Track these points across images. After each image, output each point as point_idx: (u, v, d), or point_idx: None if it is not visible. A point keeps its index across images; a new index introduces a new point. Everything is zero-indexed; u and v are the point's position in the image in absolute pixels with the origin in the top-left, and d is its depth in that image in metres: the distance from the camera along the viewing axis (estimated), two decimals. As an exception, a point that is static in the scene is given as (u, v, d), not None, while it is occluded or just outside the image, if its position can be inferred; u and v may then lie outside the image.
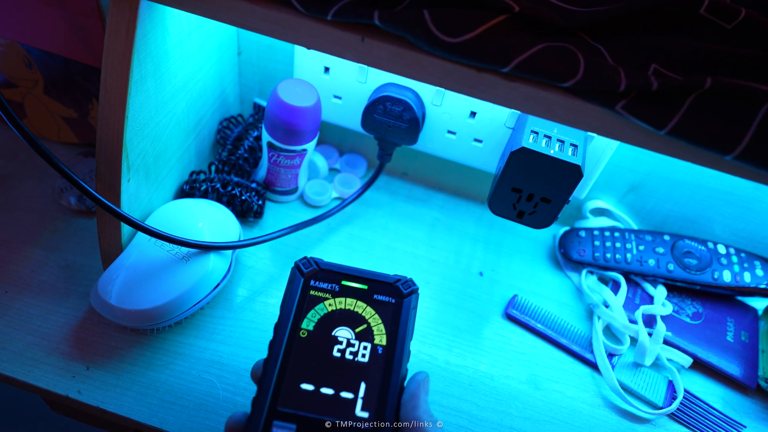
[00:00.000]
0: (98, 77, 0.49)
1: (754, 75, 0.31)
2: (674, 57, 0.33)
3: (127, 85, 0.38)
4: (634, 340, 0.51)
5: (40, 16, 0.44)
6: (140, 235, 0.45)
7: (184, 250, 0.44)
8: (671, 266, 0.53)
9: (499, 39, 0.32)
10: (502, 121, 0.49)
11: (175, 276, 0.43)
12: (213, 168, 0.53)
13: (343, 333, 0.33)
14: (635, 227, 0.57)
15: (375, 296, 0.35)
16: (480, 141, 0.51)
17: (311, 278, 0.35)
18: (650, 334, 0.50)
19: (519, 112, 0.48)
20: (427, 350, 0.48)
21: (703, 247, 0.54)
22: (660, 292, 0.53)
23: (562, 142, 0.43)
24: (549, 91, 0.33)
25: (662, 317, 0.51)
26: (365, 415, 0.30)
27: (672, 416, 0.47)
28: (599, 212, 0.58)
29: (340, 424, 0.30)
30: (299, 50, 0.50)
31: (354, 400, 0.31)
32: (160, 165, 0.47)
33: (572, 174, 0.42)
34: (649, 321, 0.51)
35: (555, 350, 0.50)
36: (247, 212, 0.52)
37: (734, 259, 0.53)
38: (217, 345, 0.45)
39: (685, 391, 0.48)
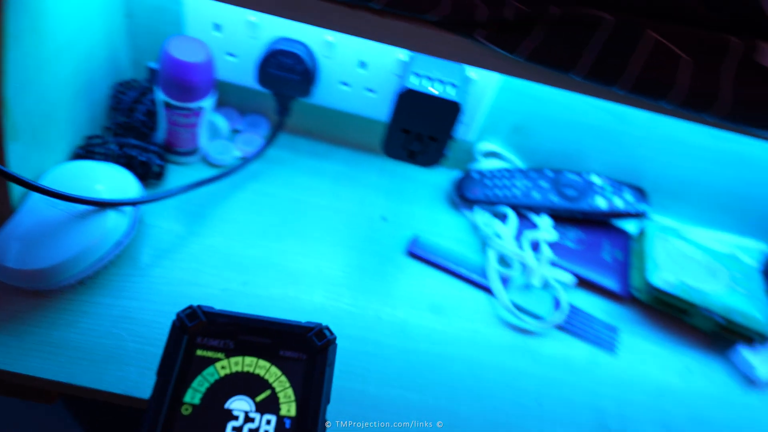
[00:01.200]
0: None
1: (592, 3, 0.36)
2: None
3: (1, 42, 0.37)
4: (525, 267, 0.56)
5: None
6: (32, 196, 0.44)
7: (81, 208, 0.44)
8: (554, 197, 0.59)
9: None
10: (390, 69, 0.51)
11: (73, 234, 0.43)
12: (109, 132, 0.53)
13: (239, 405, 0.27)
14: (522, 166, 0.62)
15: (281, 352, 0.28)
16: (373, 91, 0.54)
17: (197, 335, 0.28)
18: (538, 260, 0.55)
19: (405, 60, 0.51)
20: (334, 291, 0.50)
21: (580, 179, 0.60)
22: (545, 221, 0.58)
23: (443, 81, 0.46)
24: (417, 25, 0.35)
25: (548, 244, 0.57)
26: None
27: (559, 327, 0.53)
28: (490, 155, 0.63)
29: None
30: (188, 8, 0.51)
31: None
32: (50, 127, 0.46)
33: (452, 110, 0.46)
34: (537, 248, 0.56)
35: (455, 280, 0.54)
36: (147, 174, 0.52)
37: (607, 187, 0.60)
38: (125, 301, 0.45)
39: (570, 304, 0.54)
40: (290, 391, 0.27)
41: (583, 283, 0.57)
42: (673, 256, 0.57)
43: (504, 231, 0.56)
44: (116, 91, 0.55)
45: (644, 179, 0.62)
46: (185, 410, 0.26)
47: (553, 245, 0.57)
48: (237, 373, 0.27)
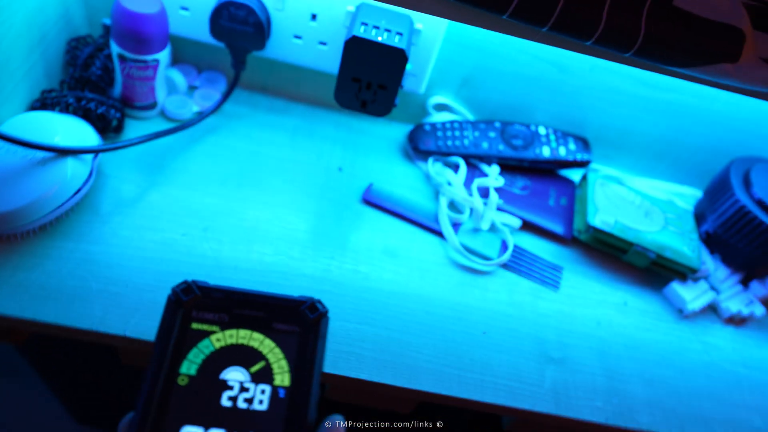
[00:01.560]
0: None
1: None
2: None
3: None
4: (474, 212, 0.59)
5: None
6: (-9, 145, 0.45)
7: (40, 155, 0.45)
8: (501, 147, 0.62)
9: None
10: (341, 21, 0.53)
11: (33, 180, 0.44)
12: (65, 86, 0.54)
13: (234, 375, 0.27)
14: (472, 119, 0.65)
15: (275, 325, 0.29)
16: (324, 44, 0.56)
17: (193, 308, 0.29)
18: (486, 205, 0.58)
19: (353, 11, 0.53)
20: (293, 236, 0.53)
21: (526, 130, 0.63)
22: (493, 170, 0.61)
23: (389, 31, 0.49)
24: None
25: (496, 190, 0.60)
26: None
27: (505, 266, 0.56)
28: (441, 108, 0.66)
29: None
30: (139, -39, 0.51)
31: None
32: (4, 78, 0.47)
33: (399, 58, 0.48)
34: (486, 194, 0.60)
35: (408, 225, 0.57)
36: (106, 127, 0.54)
37: (552, 137, 0.63)
38: (87, 245, 0.47)
39: (515, 246, 0.58)
40: (284, 363, 0.28)
41: (529, 227, 0.60)
42: (612, 200, 0.60)
43: (455, 179, 0.59)
44: (71, 47, 0.56)
45: (587, 130, 0.66)
46: (182, 381, 0.26)
47: (500, 191, 0.61)
48: (232, 345, 0.28)
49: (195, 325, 0.28)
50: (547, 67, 0.60)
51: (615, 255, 0.60)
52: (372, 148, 0.63)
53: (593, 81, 0.61)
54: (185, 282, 0.29)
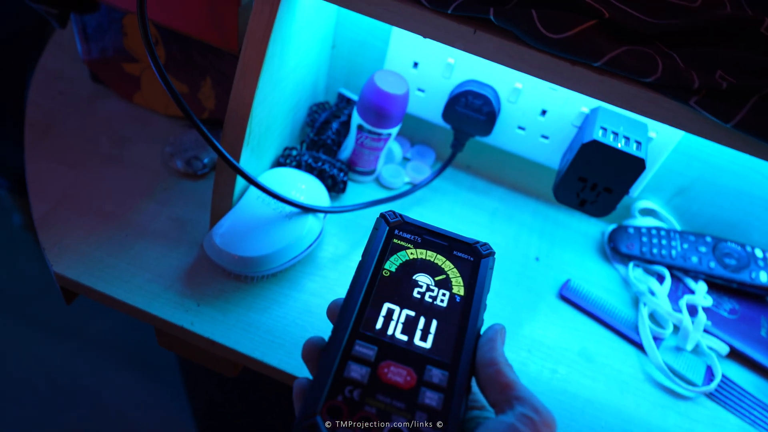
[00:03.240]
0: (215, 56, 0.56)
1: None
2: (736, 66, 0.39)
3: (262, 62, 0.45)
4: (676, 328, 0.55)
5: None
6: (248, 195, 0.51)
7: (287, 209, 0.50)
8: (712, 264, 0.58)
9: (592, 38, 0.38)
10: (570, 119, 0.54)
11: (279, 231, 0.49)
12: (304, 145, 0.59)
13: (423, 279, 0.34)
14: (679, 228, 0.62)
15: (455, 252, 0.36)
16: (547, 137, 0.57)
17: (396, 228, 0.36)
18: (693, 324, 0.55)
19: (587, 112, 0.54)
20: (487, 318, 0.53)
21: (742, 250, 0.59)
22: (701, 287, 0.58)
23: (628, 138, 0.49)
24: (632, 85, 0.38)
25: (702, 309, 0.56)
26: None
27: (710, 396, 0.52)
28: (646, 212, 0.64)
29: (420, 356, 0.30)
30: (393, 45, 0.57)
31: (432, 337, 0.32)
32: (268, 137, 0.53)
33: (636, 166, 0.48)
34: (691, 311, 0.56)
35: (604, 330, 0.55)
36: (333, 186, 0.58)
37: (771, 262, 0.58)
38: (308, 296, 0.51)
39: (723, 375, 0.53)
40: (460, 279, 0.35)
41: (736, 356, 0.56)
42: (841, 344, 0.54)
43: (658, 290, 0.57)
44: (311, 111, 0.62)
45: (812, 260, 0.60)
46: (385, 273, 0.34)
47: (707, 312, 0.57)
48: (422, 259, 0.35)
49: (396, 240, 0.36)
50: (778, 188, 0.57)
51: (839, 408, 0.53)
52: (568, 241, 0.63)
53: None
54: (391, 210, 0.37)
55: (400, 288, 0.33)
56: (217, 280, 0.50)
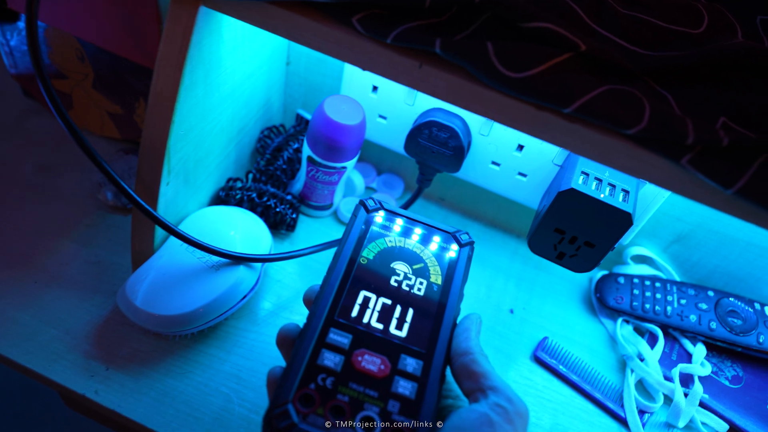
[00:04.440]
0: (148, 77, 0.49)
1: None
2: (745, 112, 0.32)
3: (176, 92, 0.38)
4: (668, 399, 0.48)
5: (98, 13, 0.44)
6: (173, 238, 0.44)
7: (215, 258, 0.44)
8: (713, 324, 0.50)
9: (562, 77, 0.31)
10: (550, 157, 0.47)
11: (204, 284, 0.42)
12: (250, 176, 0.53)
13: (401, 267, 0.34)
14: (677, 279, 0.55)
15: (434, 241, 0.36)
16: (524, 175, 0.49)
17: (374, 215, 0.36)
18: (686, 395, 0.47)
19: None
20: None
21: (749, 308, 0.51)
22: (699, 351, 0.50)
23: (613, 186, 0.41)
24: (610, 137, 0.31)
25: (699, 378, 0.49)
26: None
27: (703, 485, 0.45)
28: (641, 259, 0.56)
29: (395, 344, 0.30)
30: (349, 67, 0.50)
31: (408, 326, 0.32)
32: (200, 171, 0.46)
33: (621, 221, 0.40)
34: (686, 380, 0.49)
35: (583, 400, 0.48)
36: (280, 224, 0.52)
37: (782, 323, 0.51)
38: (237, 358, 0.44)
39: (719, 459, 0.46)
40: (438, 268, 0.35)
41: (737, 433, 0.48)
42: None
43: (649, 354, 0.49)
44: (263, 135, 0.55)
45: (830, 320, 0.52)
46: (362, 261, 0.34)
47: (705, 380, 0.49)
48: (400, 247, 0.35)
49: (374, 228, 0.36)
50: (793, 241, 0.49)
51: None
52: (550, 289, 0.55)
53: None
54: (371, 197, 0.37)
55: (377, 276, 0.33)
56: (133, 337, 0.43)
